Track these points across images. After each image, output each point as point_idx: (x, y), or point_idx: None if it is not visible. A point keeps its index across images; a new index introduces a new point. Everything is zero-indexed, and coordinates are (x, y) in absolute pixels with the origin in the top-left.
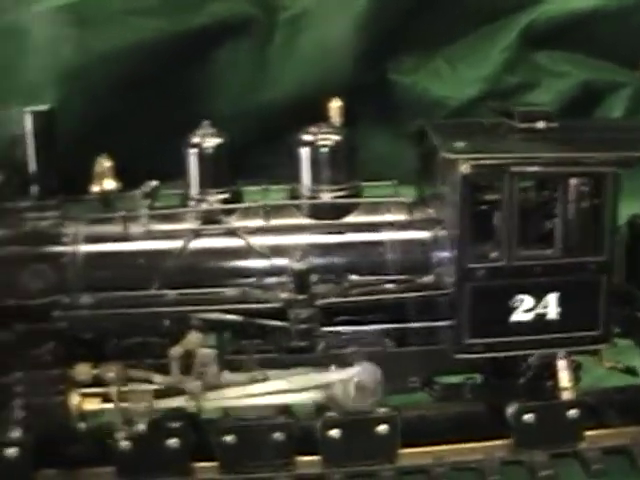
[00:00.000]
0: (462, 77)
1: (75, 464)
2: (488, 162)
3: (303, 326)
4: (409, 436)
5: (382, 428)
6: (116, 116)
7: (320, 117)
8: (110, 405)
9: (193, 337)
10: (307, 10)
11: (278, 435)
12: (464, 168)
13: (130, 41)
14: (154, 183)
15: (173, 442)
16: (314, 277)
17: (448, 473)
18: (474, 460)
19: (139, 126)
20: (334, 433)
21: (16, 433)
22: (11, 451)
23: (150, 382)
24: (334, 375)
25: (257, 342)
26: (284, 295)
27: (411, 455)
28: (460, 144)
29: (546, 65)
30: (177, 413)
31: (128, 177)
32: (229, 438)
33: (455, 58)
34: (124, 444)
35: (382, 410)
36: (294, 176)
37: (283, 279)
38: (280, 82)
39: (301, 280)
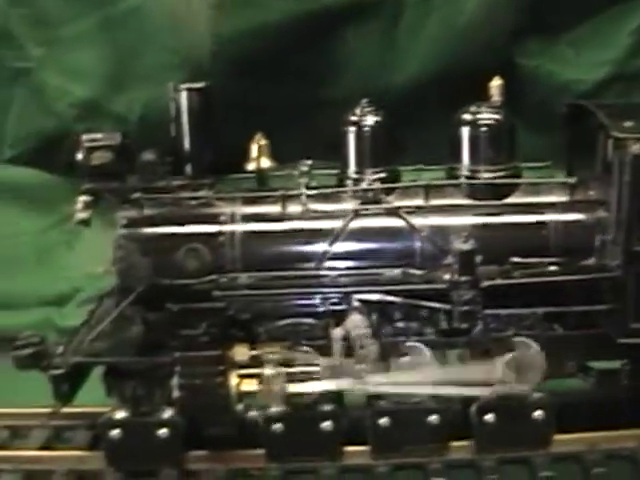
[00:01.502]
0: (587, 61)
1: (224, 445)
2: None
3: (466, 308)
4: (563, 422)
5: (538, 414)
6: (243, 97)
7: (446, 98)
8: (266, 387)
9: (354, 318)
10: None
11: (433, 419)
12: (635, 148)
13: (260, 22)
14: (309, 162)
15: (326, 425)
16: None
17: (601, 460)
18: (628, 447)
19: (268, 106)
20: (489, 418)
21: (168, 413)
22: (162, 431)
23: (309, 364)
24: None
25: (415, 324)
26: (447, 276)
27: (564, 441)
28: (629, 124)
29: None
30: (331, 395)
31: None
32: (383, 421)
33: (580, 42)
34: (276, 426)
35: (538, 395)
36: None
37: (446, 260)
38: (408, 63)
39: (466, 261)
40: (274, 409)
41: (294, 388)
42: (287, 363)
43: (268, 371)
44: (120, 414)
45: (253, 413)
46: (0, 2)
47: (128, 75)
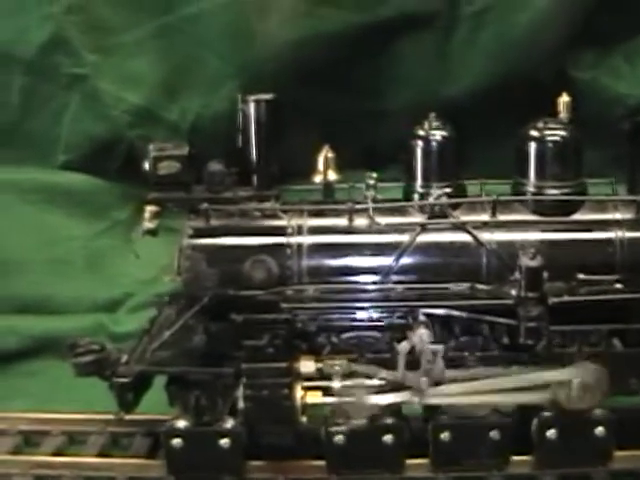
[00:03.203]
0: None
1: (285, 456)
2: None
3: (533, 324)
4: (624, 438)
5: (599, 430)
6: (296, 106)
7: (500, 110)
8: (331, 399)
9: (420, 333)
10: (490, 5)
11: (494, 434)
12: None
13: (315, 32)
14: (374, 174)
15: (388, 438)
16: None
17: None
18: None
19: (320, 116)
20: (550, 434)
21: (230, 423)
22: (224, 441)
23: (373, 377)
24: (559, 374)
25: (479, 339)
26: (514, 292)
27: (625, 458)
28: None
29: None
30: (394, 409)
31: (304, 170)
32: (444, 435)
33: (635, 55)
34: (338, 438)
35: (600, 412)
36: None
37: (513, 276)
38: (462, 75)
39: (533, 278)
40: (349, 421)
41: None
42: (348, 375)
43: (338, 384)
44: (182, 423)
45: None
46: (56, 10)
47: (182, 83)
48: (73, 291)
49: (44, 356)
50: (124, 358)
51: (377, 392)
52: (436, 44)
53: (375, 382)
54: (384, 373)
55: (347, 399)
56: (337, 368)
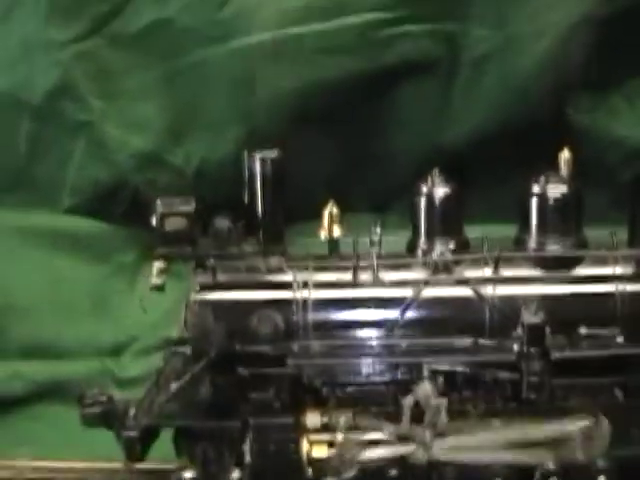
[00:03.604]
0: None
1: None
2: None
3: (535, 379)
4: None
5: None
6: (297, 151)
7: (500, 155)
8: (339, 453)
9: (424, 387)
10: (490, 51)
11: None
12: None
13: (318, 79)
14: (379, 230)
15: None
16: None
17: None
18: None
19: (320, 160)
20: None
21: (236, 475)
22: None
23: (379, 430)
24: (562, 427)
25: (482, 392)
26: (516, 347)
27: None
28: None
29: None
30: (399, 461)
31: (307, 212)
32: None
33: (634, 95)
34: None
35: (602, 463)
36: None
37: (515, 331)
38: (462, 121)
39: (536, 334)
40: (346, 475)
41: (363, 454)
42: (357, 429)
43: (340, 437)
44: (189, 474)
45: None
46: (64, 56)
47: (187, 128)
48: (78, 335)
49: (49, 401)
50: (132, 411)
51: (381, 445)
52: (438, 90)
53: (379, 435)
54: (389, 426)
55: (348, 452)
56: (341, 422)
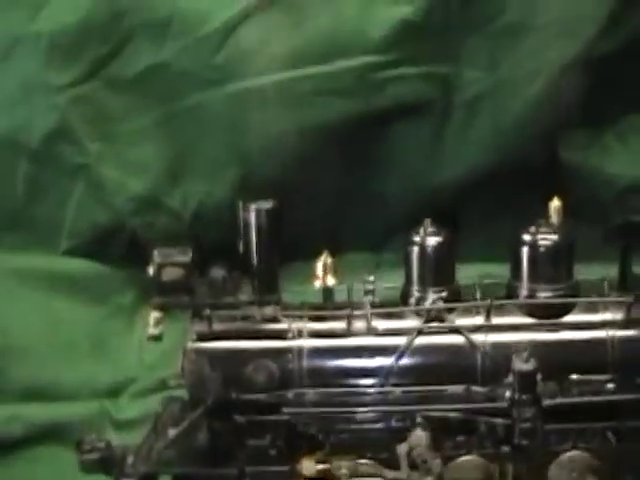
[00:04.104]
0: (634, 152)
1: None
2: None
3: (527, 425)
4: None
5: None
6: (292, 193)
7: (492, 194)
8: None
9: (418, 434)
10: (482, 93)
11: None
12: None
13: (313, 121)
14: (372, 278)
15: None
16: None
17: None
18: None
19: (315, 200)
20: None
21: None
22: None
23: (380, 476)
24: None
25: (475, 438)
26: (508, 394)
27: None
28: None
29: None
30: None
31: (303, 250)
32: None
33: (627, 133)
34: None
35: None
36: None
37: (507, 378)
38: (455, 162)
39: (527, 381)
40: None
41: None
42: (354, 475)
43: None
44: None
45: None
46: (62, 100)
47: (184, 171)
48: (76, 376)
49: (48, 443)
50: (130, 457)
51: None
52: (431, 131)
53: None
54: (390, 473)
55: None
56: (340, 469)
